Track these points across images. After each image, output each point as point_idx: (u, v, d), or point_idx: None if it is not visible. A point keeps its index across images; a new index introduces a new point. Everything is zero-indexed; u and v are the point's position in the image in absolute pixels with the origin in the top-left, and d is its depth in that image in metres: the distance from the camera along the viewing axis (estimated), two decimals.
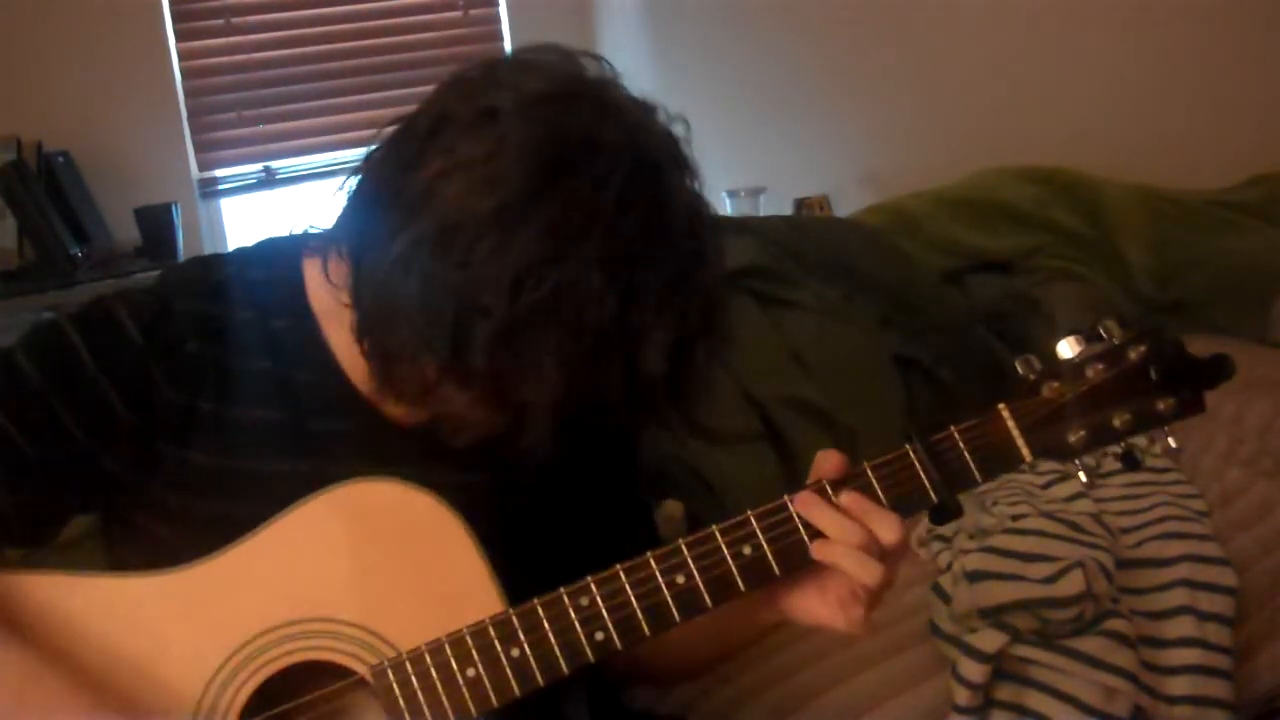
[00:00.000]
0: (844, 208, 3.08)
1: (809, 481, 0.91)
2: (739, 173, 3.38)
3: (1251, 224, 2.32)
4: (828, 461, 0.91)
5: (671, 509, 1.62)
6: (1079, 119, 2.69)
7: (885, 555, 0.87)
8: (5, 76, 3.14)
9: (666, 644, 0.93)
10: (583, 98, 0.84)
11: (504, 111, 0.82)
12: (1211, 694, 1.25)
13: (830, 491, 0.89)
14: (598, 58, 0.88)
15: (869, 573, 0.86)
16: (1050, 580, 1.25)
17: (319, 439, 0.95)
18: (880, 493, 0.89)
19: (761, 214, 3.06)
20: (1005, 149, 2.66)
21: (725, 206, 3.26)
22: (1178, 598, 1.32)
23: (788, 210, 3.16)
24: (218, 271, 0.99)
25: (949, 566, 1.42)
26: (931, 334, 1.92)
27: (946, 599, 1.32)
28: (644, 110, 0.88)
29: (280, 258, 0.99)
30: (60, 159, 3.06)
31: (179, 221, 2.97)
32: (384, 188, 0.86)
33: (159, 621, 0.87)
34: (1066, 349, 0.90)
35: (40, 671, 0.83)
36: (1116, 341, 0.90)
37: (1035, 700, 1.24)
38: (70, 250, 2.90)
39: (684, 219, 0.85)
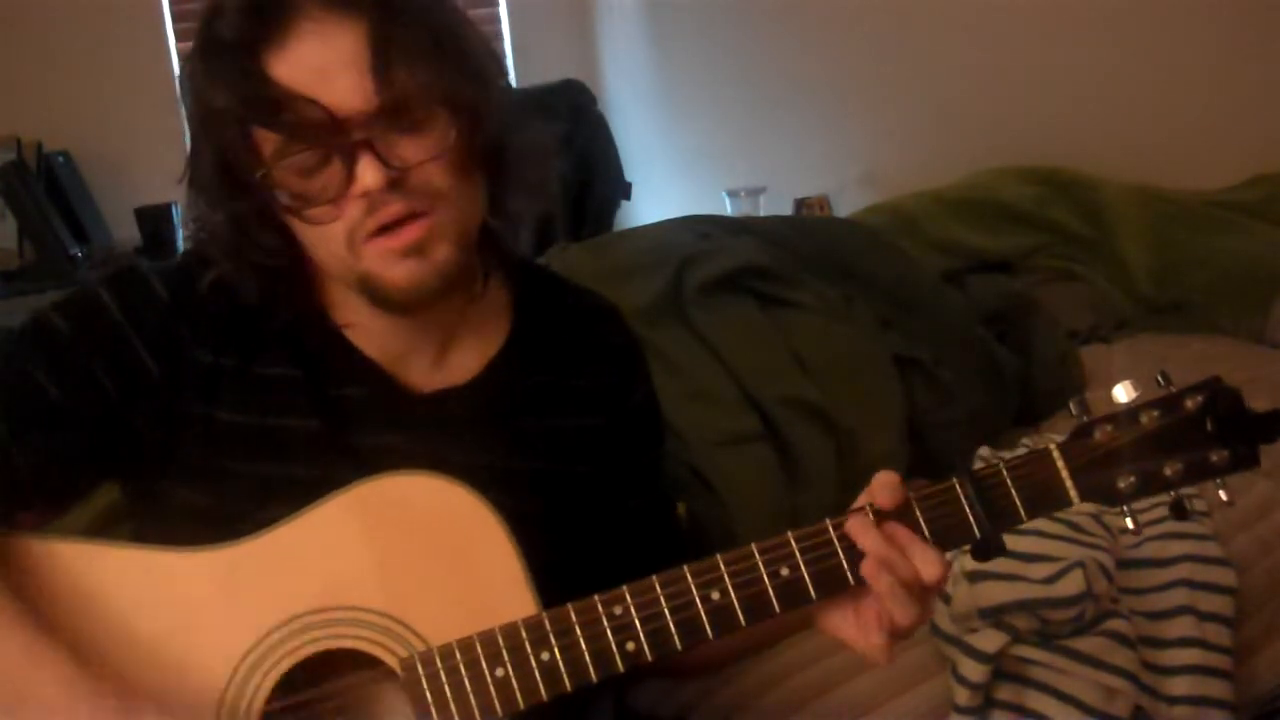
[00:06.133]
0: (844, 208, 3.08)
1: (860, 498, 0.89)
2: (739, 173, 3.38)
3: (1251, 224, 2.32)
4: (885, 486, 0.88)
5: None
6: (1079, 119, 2.69)
7: (923, 591, 0.86)
8: (5, 76, 3.15)
9: None
10: None
11: None
12: (1211, 694, 1.25)
13: (874, 517, 0.87)
14: None
15: (905, 610, 0.85)
16: (1050, 580, 1.25)
17: (339, 403, 0.97)
18: (923, 524, 0.87)
19: (761, 214, 3.06)
20: (1005, 149, 2.66)
21: (725, 206, 3.26)
22: (1178, 598, 1.32)
23: (788, 210, 3.16)
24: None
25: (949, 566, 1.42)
26: (931, 334, 1.92)
27: (946, 599, 1.32)
28: None
29: None
30: (60, 159, 3.07)
31: (179, 221, 2.97)
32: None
33: (192, 598, 0.87)
34: (1122, 393, 0.88)
35: (50, 646, 0.82)
36: (1174, 389, 0.88)
37: (1035, 700, 1.24)
38: (70, 250, 2.91)
39: None
